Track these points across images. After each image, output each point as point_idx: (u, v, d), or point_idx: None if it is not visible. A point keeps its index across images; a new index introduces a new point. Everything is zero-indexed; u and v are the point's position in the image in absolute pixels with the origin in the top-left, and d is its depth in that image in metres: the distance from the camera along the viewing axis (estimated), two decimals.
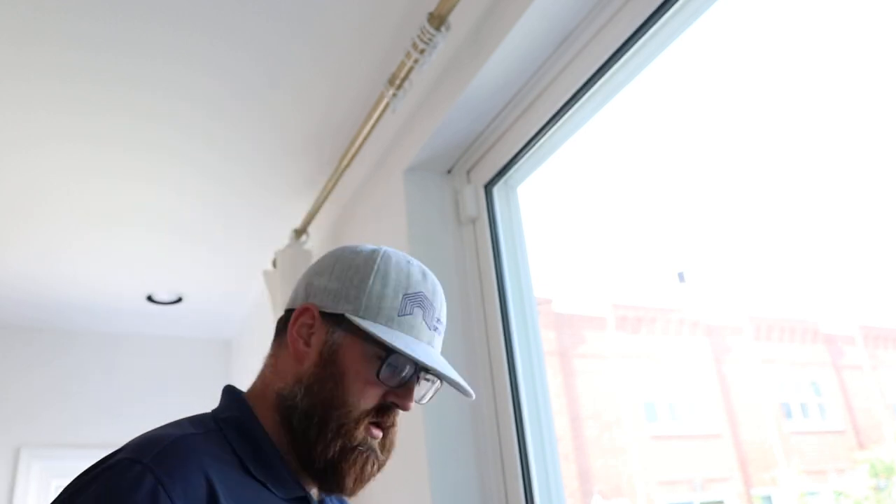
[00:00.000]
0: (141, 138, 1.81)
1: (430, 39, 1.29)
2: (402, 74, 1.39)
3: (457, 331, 1.57)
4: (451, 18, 1.29)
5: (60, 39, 1.43)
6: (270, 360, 0.84)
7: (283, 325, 0.84)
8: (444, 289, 0.85)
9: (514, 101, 1.45)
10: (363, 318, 0.77)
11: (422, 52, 1.31)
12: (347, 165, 1.77)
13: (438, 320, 0.83)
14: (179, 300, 2.96)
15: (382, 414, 0.79)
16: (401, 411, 0.80)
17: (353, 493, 0.79)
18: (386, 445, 0.80)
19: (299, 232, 2.07)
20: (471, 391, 0.82)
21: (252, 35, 1.46)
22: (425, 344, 0.80)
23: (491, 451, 1.46)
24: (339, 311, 0.79)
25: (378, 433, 0.79)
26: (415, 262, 0.84)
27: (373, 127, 1.61)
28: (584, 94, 1.30)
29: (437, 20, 1.26)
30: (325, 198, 1.91)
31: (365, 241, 1.94)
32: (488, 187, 1.57)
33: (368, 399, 0.77)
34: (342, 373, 0.77)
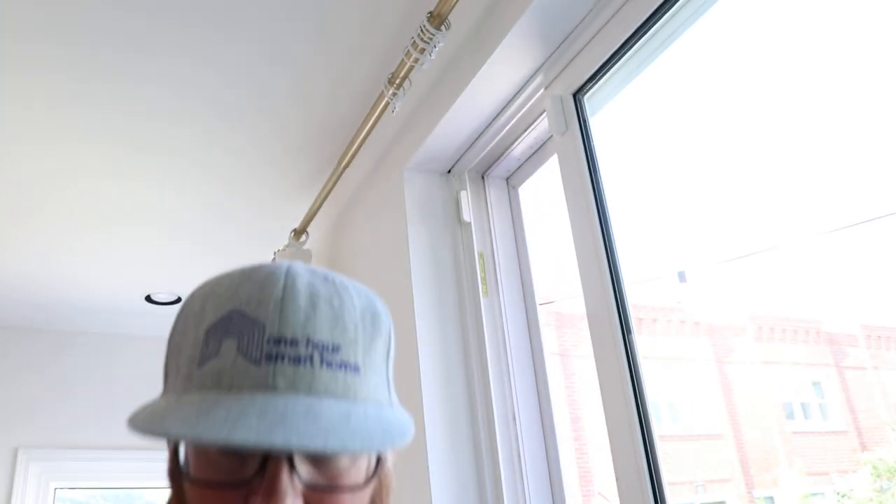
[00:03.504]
0: (140, 137, 1.80)
1: (430, 39, 1.28)
2: (402, 74, 1.38)
3: (455, 333, 1.57)
4: (451, 18, 1.28)
5: (60, 34, 1.43)
6: None
7: None
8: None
9: (514, 101, 1.44)
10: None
11: (422, 51, 1.31)
12: (347, 165, 1.77)
13: (280, 341, 0.46)
14: (179, 300, 2.96)
15: None
16: None
17: None
18: None
19: (299, 232, 2.07)
20: (353, 446, 0.43)
21: (252, 35, 1.45)
22: (247, 397, 0.44)
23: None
24: None
25: None
26: (239, 269, 0.51)
27: (373, 126, 1.60)
28: (586, 91, 1.29)
29: (437, 19, 1.25)
30: (325, 197, 1.91)
31: (364, 241, 1.94)
32: (577, 96, 1.29)
33: None
34: (175, 493, 0.52)
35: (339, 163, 1.77)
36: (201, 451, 0.48)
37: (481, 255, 1.58)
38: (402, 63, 1.36)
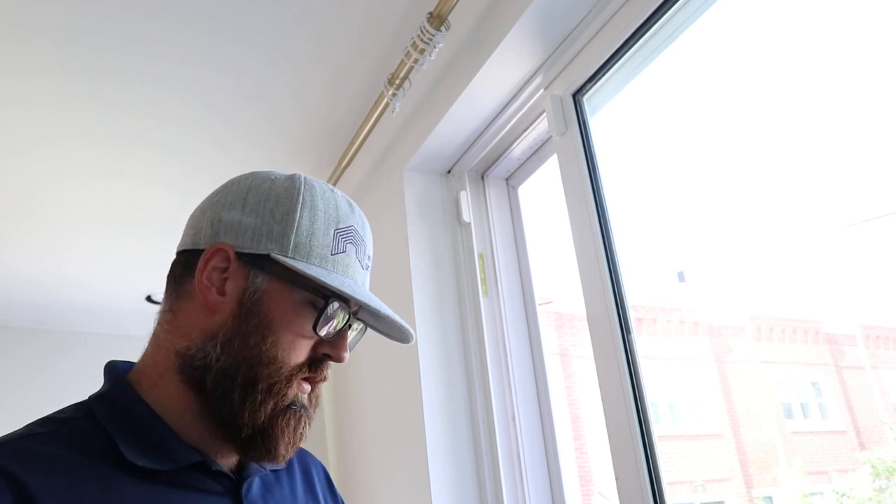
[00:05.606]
0: (140, 138, 1.80)
1: (429, 39, 1.28)
2: (402, 74, 1.38)
3: (455, 333, 1.57)
4: (451, 18, 1.28)
5: (59, 35, 1.43)
6: (165, 316, 0.71)
7: (182, 272, 0.71)
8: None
9: (513, 101, 1.44)
10: (294, 258, 0.67)
11: (421, 51, 1.31)
12: (347, 165, 1.77)
13: (369, 257, 0.75)
14: None
15: (315, 368, 0.70)
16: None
17: (285, 458, 0.69)
18: (313, 401, 0.72)
19: None
20: (411, 332, 0.75)
21: (252, 34, 1.46)
22: (360, 286, 0.72)
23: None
24: (262, 251, 0.67)
25: (307, 388, 0.70)
26: (338, 190, 0.75)
27: (372, 127, 1.60)
28: (586, 91, 1.29)
29: (437, 20, 1.26)
30: None
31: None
32: (577, 96, 1.30)
33: (300, 352, 0.68)
34: (269, 324, 0.67)
35: (339, 163, 1.78)
36: (299, 306, 0.69)
37: (481, 256, 1.59)
38: (401, 63, 1.37)
